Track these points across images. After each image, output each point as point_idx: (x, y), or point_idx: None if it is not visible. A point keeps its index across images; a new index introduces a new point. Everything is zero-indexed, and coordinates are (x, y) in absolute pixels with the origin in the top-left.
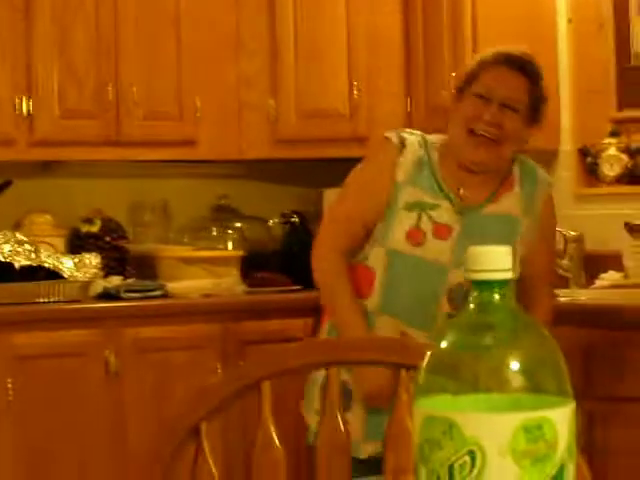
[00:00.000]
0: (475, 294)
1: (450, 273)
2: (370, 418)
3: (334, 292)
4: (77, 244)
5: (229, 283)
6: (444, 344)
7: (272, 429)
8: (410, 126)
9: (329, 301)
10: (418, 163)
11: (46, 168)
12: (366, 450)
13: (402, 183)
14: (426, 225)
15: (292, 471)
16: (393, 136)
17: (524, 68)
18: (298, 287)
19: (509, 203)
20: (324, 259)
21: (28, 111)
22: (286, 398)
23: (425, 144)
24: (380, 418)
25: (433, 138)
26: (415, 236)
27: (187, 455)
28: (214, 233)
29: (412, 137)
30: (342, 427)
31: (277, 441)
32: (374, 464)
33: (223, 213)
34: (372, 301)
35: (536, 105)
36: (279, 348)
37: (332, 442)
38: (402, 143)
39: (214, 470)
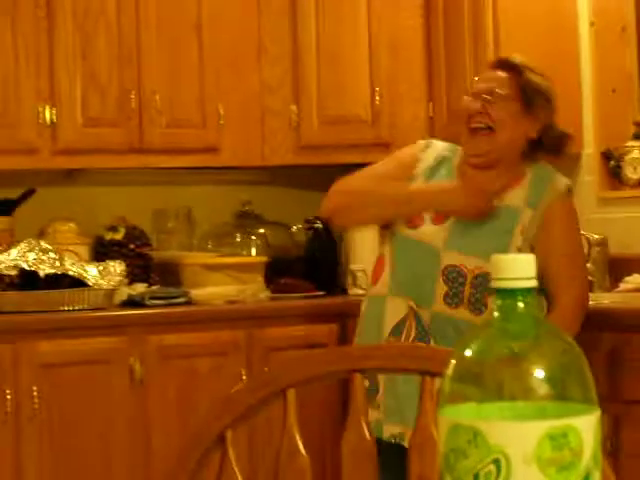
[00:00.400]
0: (499, 302)
1: (442, 255)
2: (390, 400)
3: (371, 190)
4: (101, 252)
5: (253, 289)
6: (468, 352)
7: (297, 437)
8: (432, 131)
9: (373, 197)
10: (439, 161)
11: (69, 176)
12: (388, 430)
13: (417, 175)
14: (427, 213)
15: (317, 479)
16: (422, 140)
17: (506, 64)
18: (322, 293)
19: (512, 196)
20: (348, 183)
21: (51, 119)
22: (311, 405)
23: (452, 149)
24: (400, 401)
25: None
26: (414, 220)
27: (212, 463)
28: (238, 239)
29: (440, 142)
30: (367, 435)
31: (302, 449)
32: (396, 449)
33: (246, 219)
34: (383, 283)
35: (528, 95)
36: (304, 355)
37: (358, 450)
38: (428, 144)
39: (240, 478)
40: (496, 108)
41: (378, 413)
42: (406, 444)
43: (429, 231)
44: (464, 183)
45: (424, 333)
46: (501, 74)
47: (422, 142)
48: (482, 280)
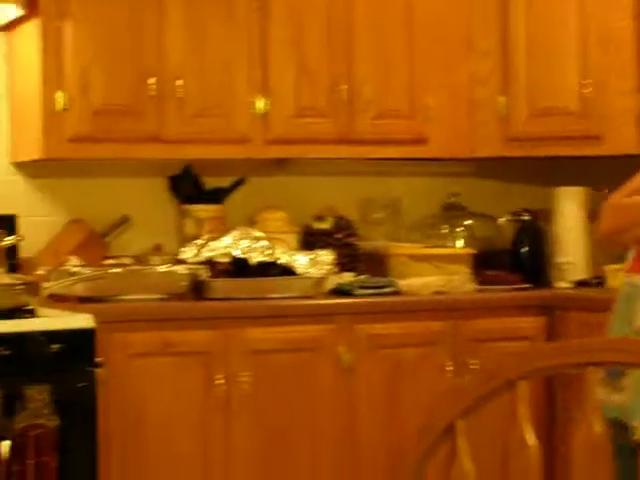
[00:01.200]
0: None
1: None
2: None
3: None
4: (309, 241)
5: (460, 281)
6: None
7: (528, 428)
8: None
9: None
10: None
11: (279, 165)
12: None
13: None
14: None
15: (545, 470)
16: None
17: None
18: (529, 285)
19: None
20: (619, 198)
21: (264, 110)
22: (536, 397)
23: None
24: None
25: None
26: None
27: (440, 453)
28: (444, 231)
29: None
30: (599, 430)
31: (533, 440)
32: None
33: (453, 211)
34: None
35: None
36: (535, 347)
37: (590, 443)
38: None
39: (469, 468)
40: None
41: (622, 396)
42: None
43: None
44: None
45: None
46: None
47: None
48: None
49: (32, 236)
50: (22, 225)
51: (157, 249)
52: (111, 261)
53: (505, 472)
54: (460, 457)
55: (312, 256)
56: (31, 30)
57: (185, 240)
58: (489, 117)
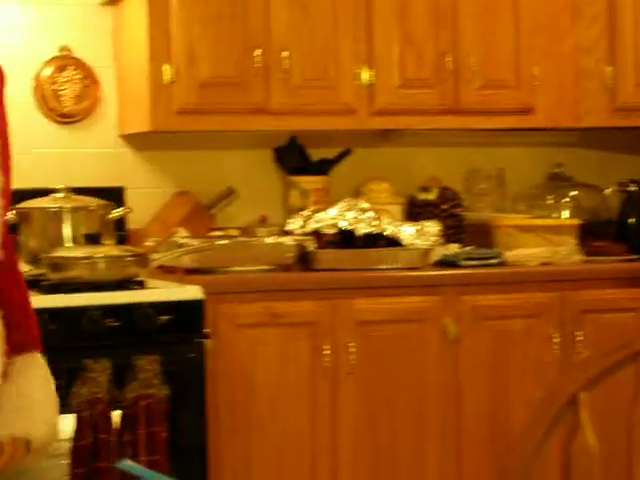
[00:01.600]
0: None
1: None
2: None
3: None
4: (414, 212)
5: (566, 252)
6: None
7: None
8: None
9: None
10: None
11: (384, 137)
12: None
13: None
14: None
15: None
16: None
17: None
18: (636, 256)
19: None
20: None
21: (369, 81)
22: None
23: None
24: None
25: None
26: None
27: (562, 425)
28: (549, 201)
29: None
30: None
31: None
32: None
33: (558, 181)
34: None
35: None
36: None
37: None
38: None
39: (592, 441)
40: None
41: None
42: None
43: None
44: None
45: None
46: None
47: None
48: None
49: (140, 208)
50: (130, 197)
51: (263, 221)
52: (218, 233)
53: (630, 445)
54: (583, 430)
55: (418, 227)
56: (138, 4)
57: (290, 211)
58: (595, 87)
